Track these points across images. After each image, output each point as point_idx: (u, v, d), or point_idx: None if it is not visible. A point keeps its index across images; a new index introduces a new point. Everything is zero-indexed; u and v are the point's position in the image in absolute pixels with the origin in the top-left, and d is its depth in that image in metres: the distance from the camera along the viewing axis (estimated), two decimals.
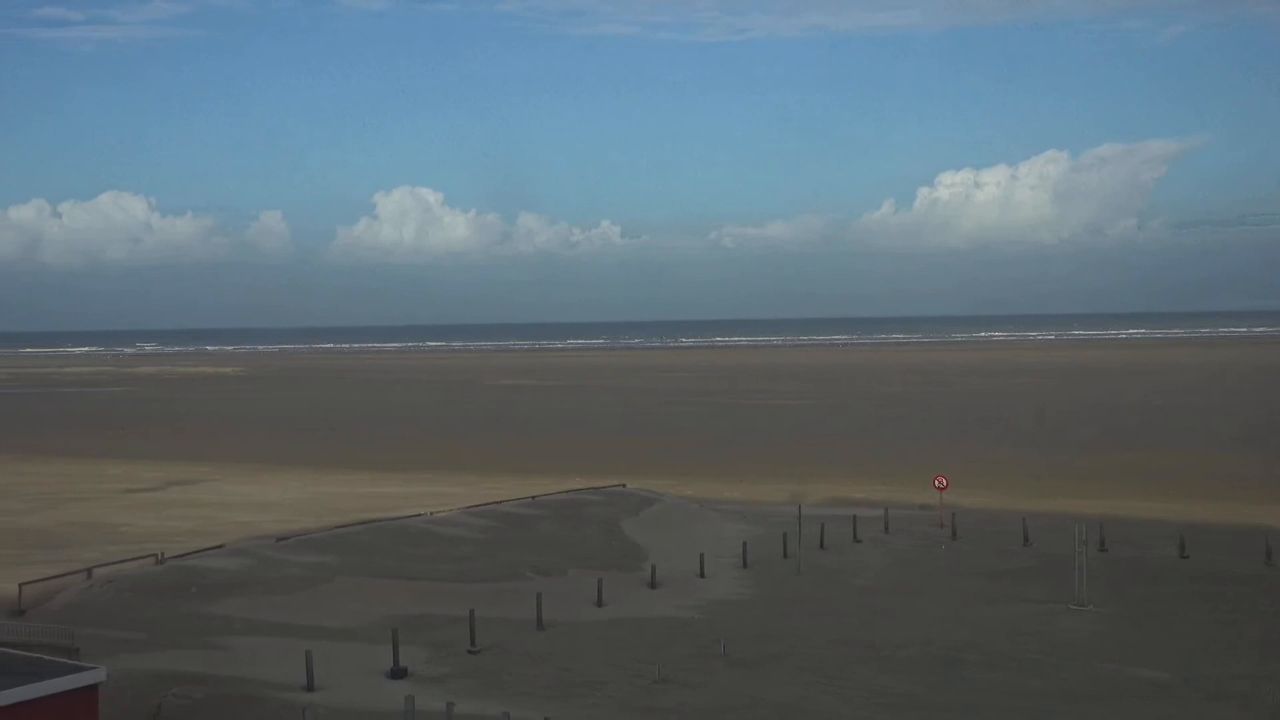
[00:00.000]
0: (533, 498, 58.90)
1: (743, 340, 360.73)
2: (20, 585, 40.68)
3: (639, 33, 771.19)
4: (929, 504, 60.84)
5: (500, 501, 58.16)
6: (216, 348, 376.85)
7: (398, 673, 32.93)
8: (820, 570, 48.75)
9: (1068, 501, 62.95)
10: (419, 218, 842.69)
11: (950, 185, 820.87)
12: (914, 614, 41.28)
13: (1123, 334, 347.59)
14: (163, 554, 45.58)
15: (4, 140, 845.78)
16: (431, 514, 54.46)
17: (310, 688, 30.85)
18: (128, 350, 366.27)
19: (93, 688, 13.65)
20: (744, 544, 51.38)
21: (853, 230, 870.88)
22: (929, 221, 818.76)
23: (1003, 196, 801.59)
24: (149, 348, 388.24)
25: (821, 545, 52.54)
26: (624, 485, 63.76)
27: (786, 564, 49.58)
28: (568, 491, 61.18)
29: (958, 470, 67.54)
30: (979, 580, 46.70)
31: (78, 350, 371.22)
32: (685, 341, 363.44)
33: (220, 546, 47.31)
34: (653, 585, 45.74)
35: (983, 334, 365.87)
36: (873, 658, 35.49)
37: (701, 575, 47.41)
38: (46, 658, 14.54)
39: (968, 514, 58.81)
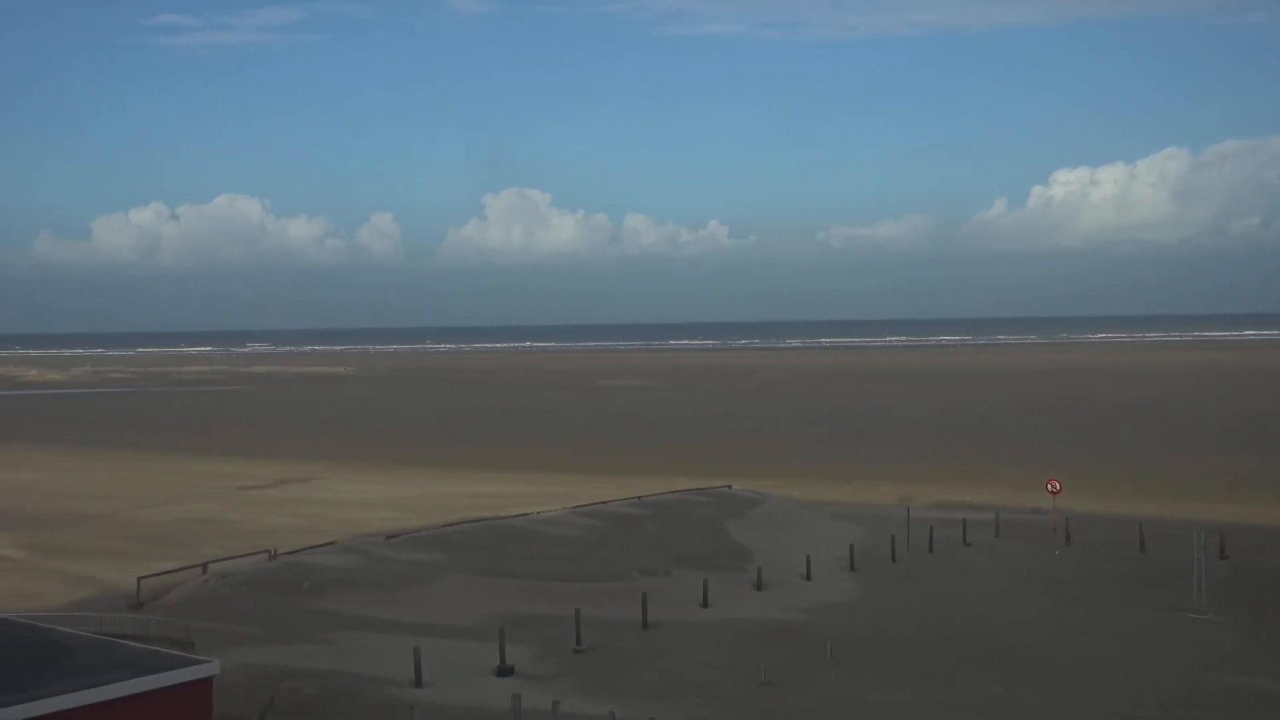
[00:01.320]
0: (639, 498, 58.90)
1: (850, 341, 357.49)
2: (139, 579, 41.76)
3: (744, 32, 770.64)
4: (1042, 508, 59.70)
5: (606, 501, 58.26)
6: (328, 348, 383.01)
7: (504, 671, 33.16)
8: (929, 574, 48.10)
9: (1188, 507, 61.25)
10: (527, 219, 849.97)
11: (1065, 184, 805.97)
12: (1024, 620, 40.55)
13: (1245, 335, 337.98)
14: (275, 550, 46.41)
15: (124, 145, 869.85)
16: (538, 513, 54.76)
17: (419, 684, 31.18)
18: (241, 350, 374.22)
19: (207, 681, 13.94)
20: (851, 546, 50.87)
21: (963, 230, 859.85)
22: (1043, 221, 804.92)
23: (1120, 195, 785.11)
24: (261, 347, 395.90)
25: (930, 549, 51.84)
26: (730, 486, 63.51)
27: (894, 567, 49.02)
28: (673, 492, 61.07)
29: (1072, 474, 66.18)
30: (1093, 586, 45.68)
31: (193, 350, 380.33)
32: (792, 342, 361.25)
33: (331, 544, 48.00)
34: (758, 587, 45.52)
35: (1099, 335, 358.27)
36: (982, 663, 34.94)
37: (808, 577, 47.06)
38: (162, 651, 14.89)
39: (1082, 519, 57.57)
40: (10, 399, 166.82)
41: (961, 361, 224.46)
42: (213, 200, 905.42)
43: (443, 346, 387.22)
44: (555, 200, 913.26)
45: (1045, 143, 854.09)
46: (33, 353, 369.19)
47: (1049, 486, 57.51)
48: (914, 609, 42.45)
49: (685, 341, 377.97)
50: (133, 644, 15.80)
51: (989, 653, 35.98)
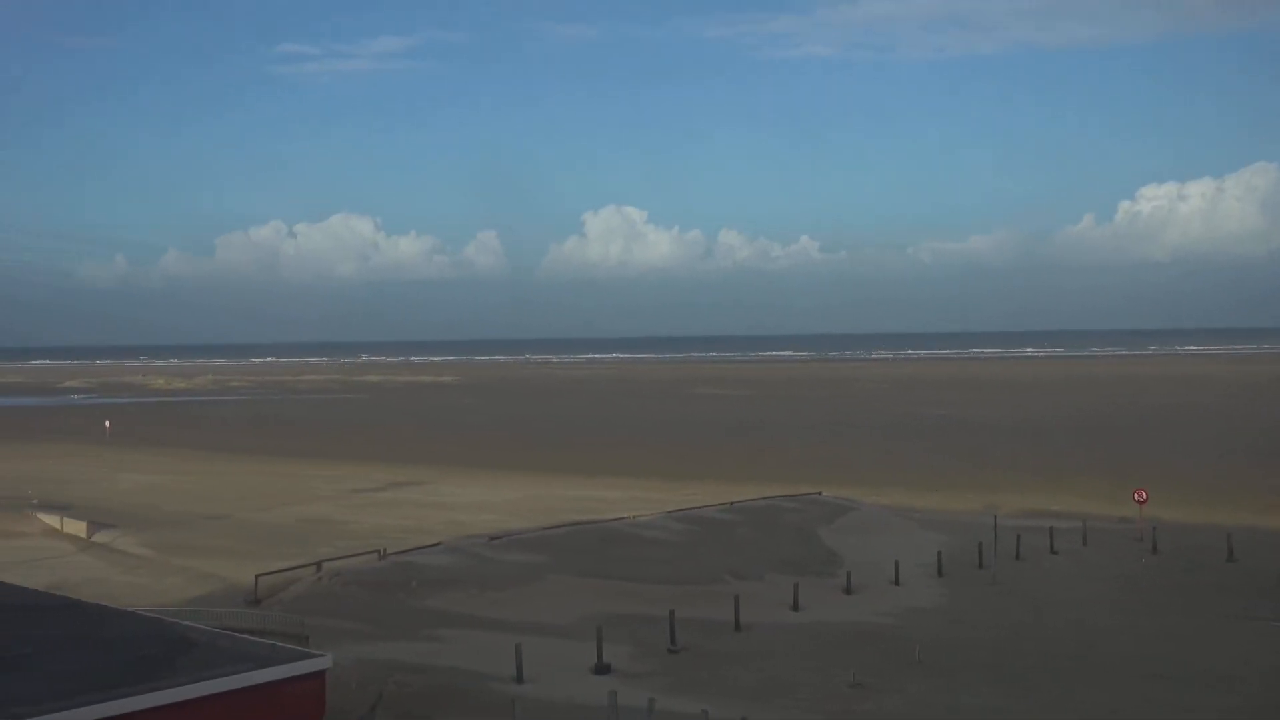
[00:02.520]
0: (731, 504, 58.67)
1: (939, 352, 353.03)
2: (257, 577, 42.42)
3: (837, 54, 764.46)
4: (1128, 517, 58.40)
5: (700, 506, 58.13)
6: (435, 358, 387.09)
7: (601, 668, 33.17)
8: (1016, 580, 47.27)
9: (1277, 517, 59.59)
10: (624, 235, 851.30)
11: (1152, 199, 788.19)
12: (1113, 627, 39.63)
13: None
14: (385, 550, 46.87)
15: (246, 167, 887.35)
16: (635, 517, 54.77)
17: (520, 680, 31.28)
18: (353, 360, 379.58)
19: (320, 673, 14.07)
20: (938, 553, 50.17)
21: (1051, 244, 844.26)
22: (1129, 235, 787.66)
23: (1208, 209, 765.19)
24: (372, 358, 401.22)
25: (1017, 556, 50.94)
26: (820, 493, 63.03)
27: (982, 574, 48.24)
28: (765, 498, 60.75)
29: (1159, 484, 64.56)
30: (1181, 595, 44.55)
31: (309, 360, 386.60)
32: (882, 353, 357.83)
33: (438, 544, 48.39)
34: (848, 591, 45.09)
35: (1188, 346, 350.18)
36: (1070, 670, 34.19)
37: (896, 582, 46.51)
38: (279, 644, 15.05)
39: (1169, 528, 56.15)
40: (140, 406, 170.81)
41: (1049, 373, 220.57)
42: (328, 219, 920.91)
43: (544, 357, 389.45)
44: (651, 217, 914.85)
45: (1132, 158, 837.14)
46: (160, 362, 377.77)
47: (1135, 496, 56.19)
48: (1002, 615, 41.73)
49: (777, 353, 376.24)
50: (251, 638, 16.00)
51: (1080, 659, 35.16)
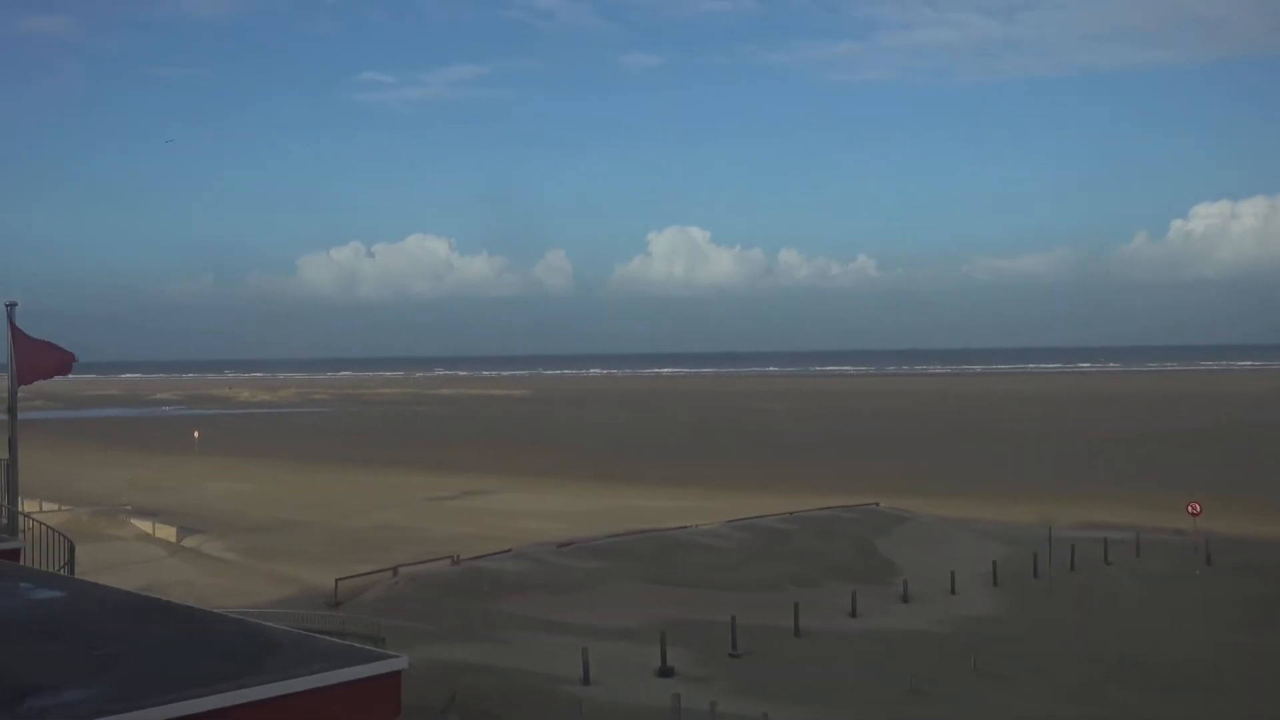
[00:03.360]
0: (790, 513, 58.42)
1: (995, 368, 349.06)
2: (336, 581, 42.87)
3: (896, 78, 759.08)
4: (1182, 529, 57.32)
5: (760, 516, 57.93)
6: (505, 372, 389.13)
7: (665, 672, 33.16)
8: (1071, 590, 46.63)
9: None
10: (688, 254, 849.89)
11: (1205, 217, 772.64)
12: (1167, 636, 38.98)
13: None
14: (458, 556, 47.17)
15: (327, 191, 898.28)
16: (697, 526, 54.70)
17: (586, 682, 31.36)
18: (428, 374, 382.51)
19: (396, 674, 14.15)
20: (994, 563, 49.61)
21: (1105, 262, 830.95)
22: (1183, 253, 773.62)
23: (1261, 227, 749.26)
24: (444, 371, 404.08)
25: (1072, 566, 50.25)
26: (877, 504, 62.58)
27: (1037, 583, 47.64)
28: (823, 508, 60.43)
29: (1214, 497, 63.27)
30: (1236, 607, 43.66)
31: (387, 374, 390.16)
32: (938, 369, 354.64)
33: (508, 551, 48.61)
34: (905, 599, 44.73)
35: (1243, 362, 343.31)
36: (1126, 678, 33.67)
37: (953, 591, 46.05)
38: (357, 646, 15.17)
39: (1223, 541, 55.04)
40: (227, 417, 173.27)
41: (1104, 387, 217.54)
42: (404, 240, 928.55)
43: (609, 371, 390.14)
44: (714, 237, 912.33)
45: (1186, 177, 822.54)
46: (245, 375, 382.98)
47: (1189, 509, 55.14)
48: (1058, 624, 41.18)
49: (835, 367, 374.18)
50: (330, 639, 16.13)
51: (1137, 669, 34.60)
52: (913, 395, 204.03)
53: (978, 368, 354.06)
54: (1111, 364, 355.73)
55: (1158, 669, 34.61)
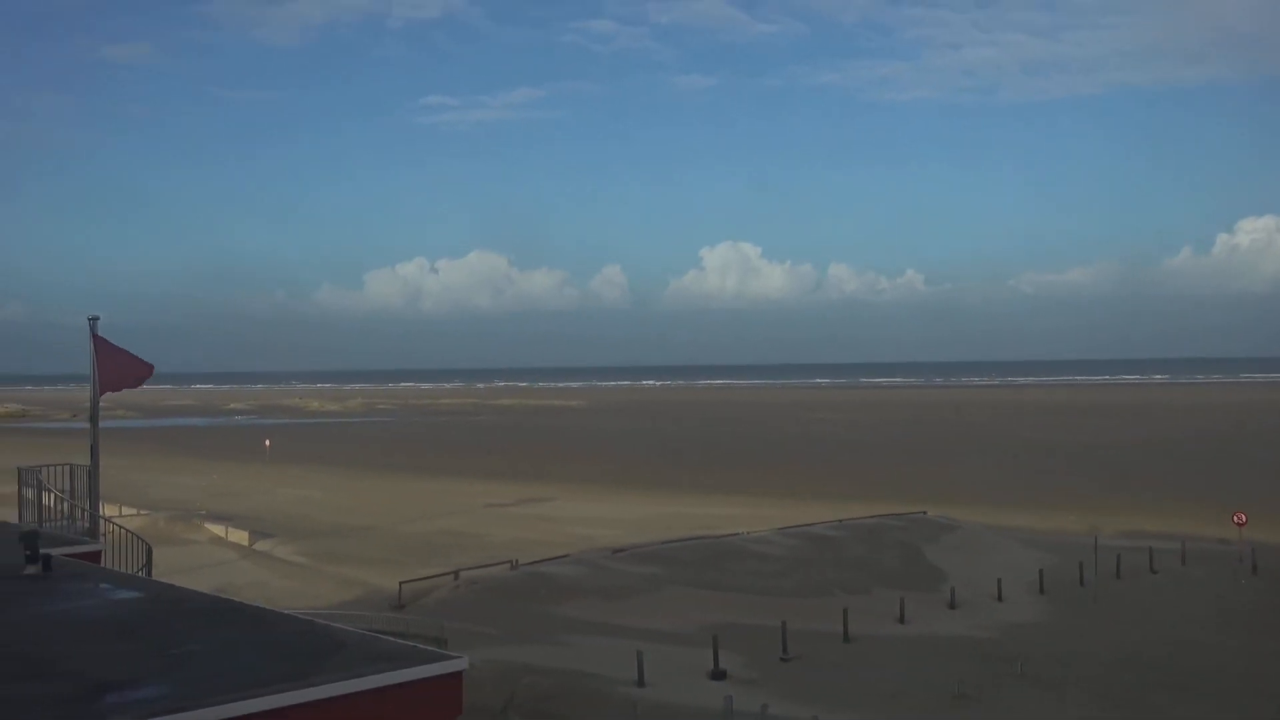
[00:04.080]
0: (839, 521, 58.02)
1: (1040, 380, 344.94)
2: (400, 584, 43.10)
3: (943, 97, 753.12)
4: (1227, 539, 56.28)
5: (810, 524, 57.58)
6: (563, 383, 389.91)
7: (717, 674, 33.02)
8: (1116, 598, 45.89)
9: None
10: (740, 269, 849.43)
11: (1251, 232, 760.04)
12: (1213, 645, 38.25)
13: None
14: (516, 561, 47.27)
15: (394, 209, 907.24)
16: (748, 533, 54.47)
17: (640, 683, 31.29)
18: (489, 384, 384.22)
19: (458, 673, 14.20)
20: (1040, 571, 48.97)
21: (1151, 276, 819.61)
22: (1229, 267, 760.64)
23: None
24: (504, 383, 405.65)
25: (1117, 574, 49.47)
26: (925, 512, 61.99)
27: (1082, 591, 46.94)
28: (872, 516, 59.96)
29: (1259, 508, 62.05)
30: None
31: (449, 384, 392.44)
32: (984, 380, 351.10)
33: (565, 556, 48.65)
34: (952, 606, 44.26)
35: None
36: (1171, 685, 33.07)
37: (999, 598, 45.52)
38: (420, 646, 15.23)
39: (1270, 550, 53.92)
40: (297, 426, 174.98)
41: (1149, 398, 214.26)
42: (466, 255, 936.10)
43: (664, 382, 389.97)
44: (765, 252, 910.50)
45: (1230, 192, 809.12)
46: (314, 386, 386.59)
47: (1235, 519, 54.17)
48: (1103, 631, 40.54)
49: (885, 379, 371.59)
50: (394, 639, 16.22)
51: (1183, 677, 33.97)
52: (960, 406, 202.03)
53: (1023, 379, 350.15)
54: (1158, 376, 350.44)
55: (1203, 677, 33.95)
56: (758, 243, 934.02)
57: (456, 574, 44.97)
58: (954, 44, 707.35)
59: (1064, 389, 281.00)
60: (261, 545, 58.32)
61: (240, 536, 59.90)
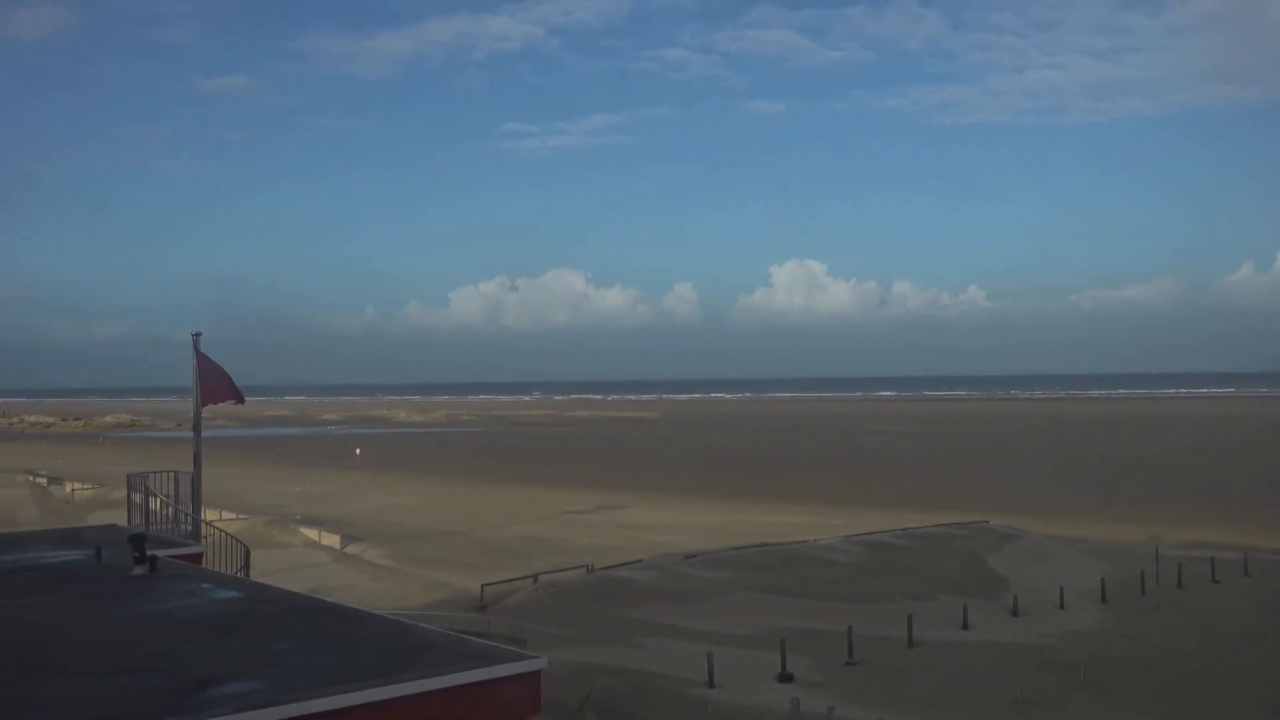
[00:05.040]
0: (904, 529, 57.36)
1: (1098, 393, 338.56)
2: (483, 586, 43.34)
3: (1008, 119, 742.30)
4: None
5: (875, 532, 57.00)
6: (636, 396, 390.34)
7: (785, 677, 32.74)
8: (1178, 607, 44.71)
9: None
10: (807, 286, 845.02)
11: None
12: (1276, 655, 37.14)
13: None
14: (592, 565, 47.31)
15: (476, 231, 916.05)
16: (815, 541, 54.05)
17: (711, 685, 31.12)
18: (565, 397, 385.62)
19: (537, 673, 14.24)
20: (1102, 579, 47.91)
21: (1210, 292, 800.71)
22: None
23: None
24: (580, 395, 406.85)
25: (1179, 584, 48.23)
26: (987, 521, 61.06)
27: (1144, 600, 45.83)
28: (935, 525, 59.17)
29: None
30: None
31: (539, 397, 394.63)
32: (1045, 394, 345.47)
33: (638, 561, 48.59)
34: (1014, 613, 43.47)
35: None
36: (1233, 694, 32.15)
37: (1061, 606, 44.61)
38: (501, 646, 15.30)
39: None
40: (385, 436, 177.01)
41: (1209, 411, 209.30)
42: (545, 274, 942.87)
43: (733, 395, 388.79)
44: (831, 270, 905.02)
45: None
46: (402, 398, 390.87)
47: None
48: (1165, 639, 39.53)
49: (947, 392, 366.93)
50: (477, 639, 16.31)
51: (1245, 686, 33.00)
52: (1021, 418, 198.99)
53: (1090, 392, 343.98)
54: (1220, 390, 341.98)
55: (1266, 687, 32.98)
56: (824, 260, 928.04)
57: (535, 577, 45.09)
58: (1017, 68, 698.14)
59: (1124, 402, 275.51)
60: (352, 548, 58.96)
61: (332, 540, 60.60)
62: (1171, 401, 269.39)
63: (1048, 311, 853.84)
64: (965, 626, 40.74)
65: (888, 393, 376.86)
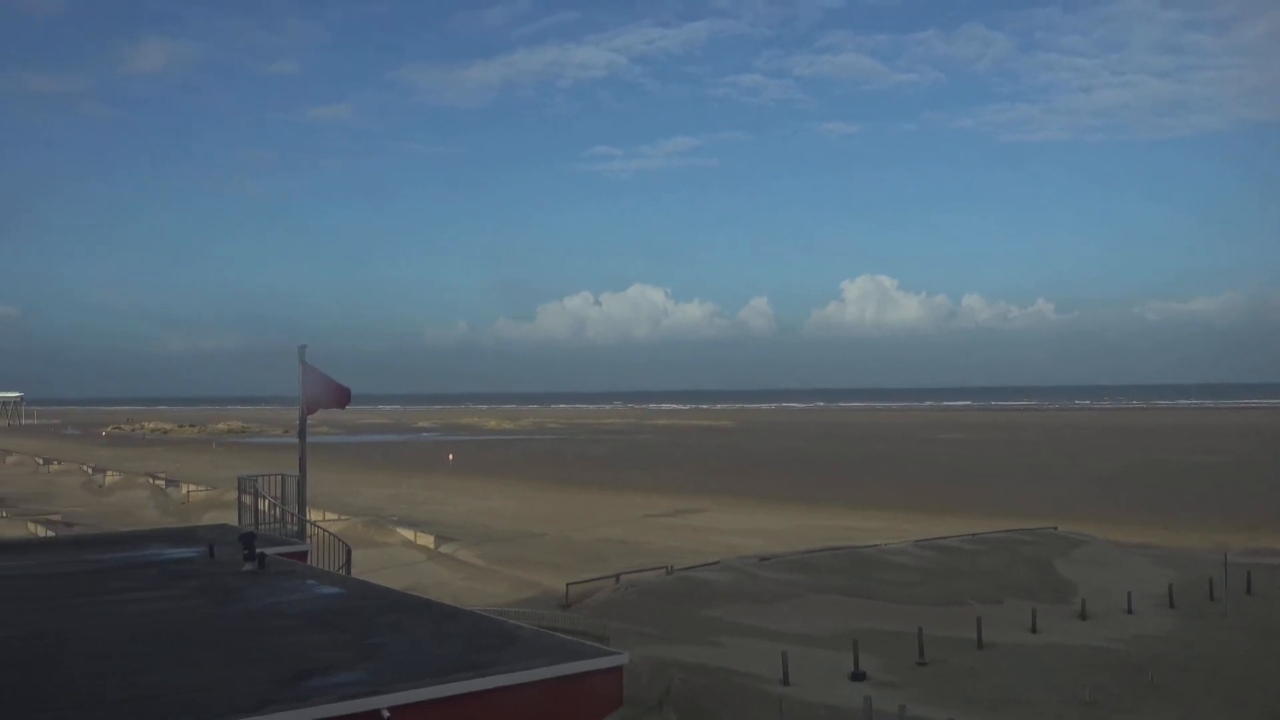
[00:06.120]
0: (973, 535, 56.37)
1: (1169, 403, 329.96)
2: (567, 585, 43.49)
3: (1074, 137, 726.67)
4: None
5: (944, 537, 56.11)
6: (713, 405, 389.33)
7: (857, 676, 32.35)
8: (1247, 614, 43.27)
9: None
10: (878, 300, 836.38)
11: None
12: None
13: None
14: (671, 566, 47.23)
15: (563, 249, 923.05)
16: (886, 545, 53.38)
17: (785, 682, 30.88)
18: (647, 406, 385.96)
19: (619, 668, 14.25)
20: (1170, 585, 46.57)
21: (1277, 305, 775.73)
22: None
23: None
24: (660, 405, 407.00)
25: (1248, 591, 46.69)
26: (1055, 528, 59.77)
27: (1213, 606, 44.46)
28: (1004, 531, 58.08)
29: None
30: None
31: (610, 405, 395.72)
32: (1111, 403, 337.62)
33: (715, 563, 48.37)
34: (1082, 617, 42.46)
35: None
36: None
37: (1129, 611, 43.46)
38: (585, 642, 15.33)
39: None
40: (476, 442, 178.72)
41: (1274, 421, 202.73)
42: (627, 289, 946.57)
43: (806, 405, 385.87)
44: (902, 284, 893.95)
45: None
46: (492, 407, 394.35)
47: None
48: (1234, 645, 38.30)
49: (1015, 402, 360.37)
50: (562, 635, 16.36)
51: None
52: (1088, 428, 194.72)
53: (1152, 402, 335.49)
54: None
55: None
56: (894, 275, 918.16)
57: (617, 577, 45.12)
58: (1085, 88, 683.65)
59: (1191, 411, 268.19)
60: (445, 548, 59.50)
61: (427, 540, 61.22)
62: (1238, 411, 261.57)
63: (1116, 324, 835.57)
64: (1033, 629, 39.90)
65: (956, 403, 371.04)
